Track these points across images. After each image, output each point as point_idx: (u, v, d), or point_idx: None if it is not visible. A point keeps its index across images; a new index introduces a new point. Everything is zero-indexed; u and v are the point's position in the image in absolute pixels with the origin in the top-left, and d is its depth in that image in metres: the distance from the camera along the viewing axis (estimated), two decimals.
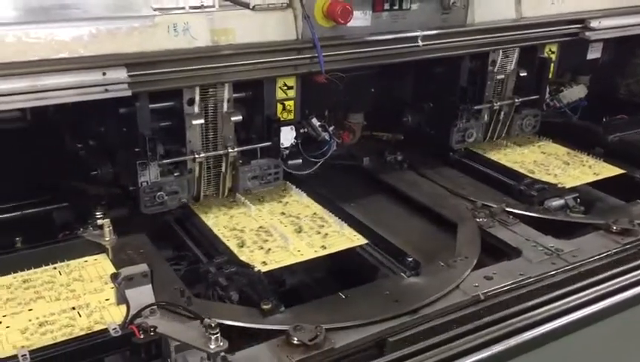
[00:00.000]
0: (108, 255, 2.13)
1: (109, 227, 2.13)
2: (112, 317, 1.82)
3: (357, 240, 2.31)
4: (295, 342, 1.73)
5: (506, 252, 2.30)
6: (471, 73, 2.94)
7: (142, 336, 1.68)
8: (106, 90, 1.98)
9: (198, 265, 2.18)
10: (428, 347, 1.85)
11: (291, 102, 2.49)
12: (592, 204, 2.75)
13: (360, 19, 2.44)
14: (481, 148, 3.11)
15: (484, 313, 1.97)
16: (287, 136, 2.52)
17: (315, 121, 2.72)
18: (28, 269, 2.05)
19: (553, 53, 3.10)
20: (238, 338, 1.78)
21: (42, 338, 1.73)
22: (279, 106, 2.48)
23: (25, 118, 2.32)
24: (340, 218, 2.43)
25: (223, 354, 1.63)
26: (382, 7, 2.48)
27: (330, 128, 2.78)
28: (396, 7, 2.52)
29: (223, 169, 2.46)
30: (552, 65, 3.11)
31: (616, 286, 2.18)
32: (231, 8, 2.27)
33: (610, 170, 2.96)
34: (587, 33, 2.97)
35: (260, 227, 2.39)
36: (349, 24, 2.36)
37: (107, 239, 2.13)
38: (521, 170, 2.92)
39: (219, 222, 2.43)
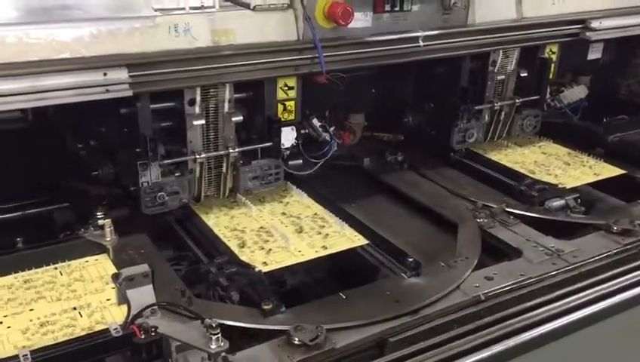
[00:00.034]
0: (109, 255, 2.13)
1: (110, 227, 2.13)
2: (113, 317, 1.82)
3: (357, 240, 2.31)
4: (296, 342, 1.73)
5: (506, 252, 2.30)
6: (472, 73, 2.94)
7: (143, 336, 1.68)
8: (107, 91, 1.99)
9: (198, 266, 2.18)
10: (428, 347, 1.85)
11: (292, 103, 2.49)
12: (592, 204, 2.75)
13: (361, 20, 2.44)
14: (482, 149, 3.11)
15: (485, 313, 1.97)
16: (288, 137, 2.52)
17: (315, 122, 2.72)
18: (29, 269, 2.05)
19: (554, 53, 3.11)
20: (238, 339, 1.79)
21: (43, 339, 1.73)
22: (280, 107, 2.48)
23: (26, 119, 2.32)
24: (340, 218, 2.43)
25: (223, 354, 1.63)
26: (383, 8, 2.48)
27: (331, 129, 2.78)
28: (397, 9, 2.52)
29: (224, 169, 2.46)
30: (553, 65, 3.11)
31: (617, 287, 2.18)
32: (231, 9, 2.28)
33: (610, 171, 2.96)
34: (588, 33, 2.97)
35: (261, 227, 2.39)
36: (349, 25, 2.37)
37: (108, 239, 2.14)
38: (522, 171, 2.91)
39: (219, 222, 2.43)
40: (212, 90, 2.32)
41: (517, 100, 3.06)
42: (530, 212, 2.55)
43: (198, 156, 2.35)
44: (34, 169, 2.40)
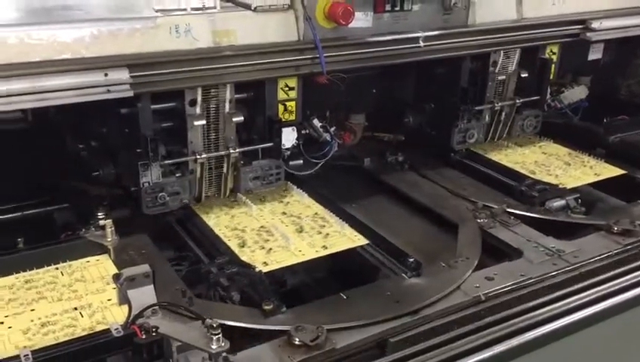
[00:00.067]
0: (110, 255, 2.13)
1: (111, 228, 2.14)
2: (114, 317, 1.82)
3: (358, 240, 2.31)
4: (296, 342, 1.73)
5: (507, 253, 2.30)
6: (472, 74, 2.94)
7: (144, 337, 1.68)
8: (108, 91, 1.99)
9: (199, 266, 2.18)
10: (429, 347, 1.85)
11: (293, 103, 2.50)
12: (593, 204, 2.75)
13: (361, 20, 2.44)
14: (482, 149, 3.11)
15: (485, 313, 1.97)
16: (289, 137, 2.53)
17: (316, 122, 2.73)
18: (30, 270, 2.05)
19: (554, 53, 3.11)
20: (239, 339, 1.79)
21: (44, 339, 1.73)
22: (281, 107, 2.48)
23: (27, 119, 2.32)
24: (341, 218, 2.43)
25: (224, 354, 1.63)
26: (383, 8, 2.48)
27: (332, 129, 2.79)
28: (397, 9, 2.52)
29: (225, 170, 2.46)
30: (553, 65, 3.12)
31: (617, 287, 2.18)
32: (232, 10, 2.27)
33: (611, 171, 2.96)
34: (588, 34, 2.98)
35: (261, 227, 2.40)
36: (350, 25, 2.37)
37: (109, 240, 2.14)
38: (522, 171, 2.91)
39: (220, 221, 2.43)
40: (213, 90, 2.33)
41: (517, 101, 3.06)
42: (531, 212, 2.55)
43: (198, 156, 2.35)
44: (35, 169, 2.41)
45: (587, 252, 2.25)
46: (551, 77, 3.13)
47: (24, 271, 2.04)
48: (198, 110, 2.31)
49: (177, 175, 2.36)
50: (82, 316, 1.84)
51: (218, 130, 2.40)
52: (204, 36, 2.18)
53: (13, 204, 2.38)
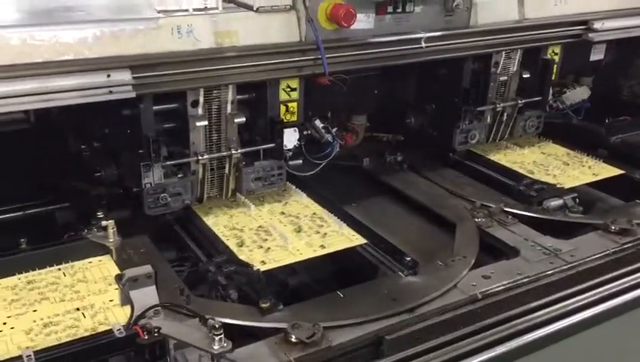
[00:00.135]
0: (112, 256, 2.14)
1: (113, 228, 2.14)
2: (116, 318, 1.83)
3: (356, 239, 2.33)
4: (293, 339, 1.74)
5: (504, 251, 2.31)
6: (474, 74, 2.94)
7: (146, 337, 1.68)
8: (110, 92, 2.00)
9: (199, 266, 2.18)
10: (425, 346, 1.86)
11: (294, 104, 2.50)
12: (591, 204, 2.76)
13: (363, 21, 2.45)
14: (482, 150, 3.11)
15: (482, 312, 1.98)
16: (291, 138, 2.53)
17: (318, 123, 2.73)
18: (32, 270, 2.06)
19: (556, 54, 3.11)
20: (237, 336, 1.79)
21: (47, 339, 1.73)
22: (282, 108, 2.48)
23: (29, 120, 2.33)
24: (339, 218, 2.44)
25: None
26: (385, 10, 2.48)
27: (334, 130, 2.79)
28: (399, 10, 2.52)
29: (227, 170, 2.46)
30: (555, 66, 3.11)
31: (615, 290, 2.19)
32: (234, 10, 2.28)
33: (609, 171, 2.97)
34: (590, 35, 2.97)
35: (260, 226, 2.41)
36: (352, 27, 2.37)
37: (111, 240, 2.14)
38: (521, 171, 2.93)
39: (219, 221, 2.44)
40: (215, 91, 2.33)
41: (519, 101, 3.06)
42: (529, 211, 2.56)
43: (200, 157, 2.35)
44: (37, 170, 2.41)
45: (584, 251, 2.26)
46: (553, 77, 3.13)
47: (26, 271, 2.05)
48: (200, 111, 2.32)
49: (179, 176, 2.36)
50: (84, 316, 1.84)
51: (220, 131, 2.40)
52: (206, 37, 2.19)
53: (16, 205, 2.38)
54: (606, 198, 2.85)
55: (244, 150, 2.44)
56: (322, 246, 2.27)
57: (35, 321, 1.82)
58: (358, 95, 2.77)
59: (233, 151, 2.42)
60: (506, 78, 3.01)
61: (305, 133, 2.66)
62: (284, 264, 2.18)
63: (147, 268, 1.82)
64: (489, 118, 3.05)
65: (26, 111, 2.29)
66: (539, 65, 3.06)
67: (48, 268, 2.07)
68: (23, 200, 2.40)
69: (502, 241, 2.35)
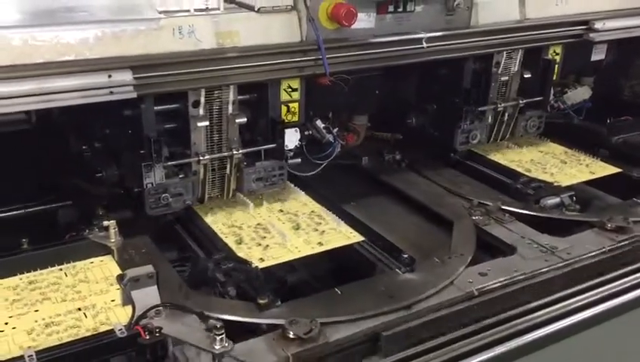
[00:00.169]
0: (113, 256, 2.14)
1: (114, 228, 2.14)
2: (118, 318, 1.83)
3: (353, 237, 2.34)
4: (291, 335, 1.75)
5: (501, 249, 2.32)
6: (475, 74, 2.94)
7: (147, 337, 1.69)
8: (112, 93, 2.00)
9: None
10: (423, 346, 1.87)
11: (296, 104, 2.50)
12: (588, 202, 2.77)
13: (364, 21, 2.45)
14: (482, 150, 3.11)
15: (478, 308, 1.99)
16: (292, 138, 2.53)
17: (319, 123, 2.73)
18: (34, 270, 2.06)
19: (557, 54, 3.10)
20: (235, 332, 1.79)
21: (48, 339, 1.74)
22: (284, 108, 2.48)
23: (30, 120, 2.33)
24: (337, 216, 2.45)
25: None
26: (386, 9, 2.48)
27: (335, 130, 2.79)
28: (400, 10, 2.52)
29: (228, 171, 2.46)
30: (557, 66, 3.11)
31: (614, 288, 2.20)
32: (236, 11, 2.28)
33: (606, 169, 2.98)
34: (591, 35, 2.97)
35: (258, 224, 2.42)
36: (353, 26, 2.37)
37: (113, 240, 2.15)
38: (518, 169, 2.94)
39: (217, 219, 2.45)
40: (216, 91, 2.33)
41: (520, 101, 3.06)
42: (526, 210, 2.57)
43: (201, 158, 2.35)
44: (38, 171, 2.41)
45: (580, 248, 2.27)
46: (554, 77, 3.13)
47: (28, 271, 2.05)
48: (201, 111, 2.32)
49: (180, 176, 2.36)
50: (86, 316, 1.84)
51: (221, 132, 2.40)
52: (208, 37, 2.19)
53: (16, 206, 2.38)
54: (603, 196, 2.86)
55: (245, 150, 2.44)
56: (320, 244, 2.28)
57: (36, 321, 1.82)
58: (359, 95, 2.77)
59: (234, 152, 2.42)
60: (507, 78, 3.01)
61: (306, 133, 2.66)
62: (283, 261, 2.19)
63: (148, 268, 1.83)
64: (490, 118, 3.04)
65: (27, 112, 2.29)
66: (540, 65, 3.05)
67: (50, 268, 2.08)
68: (25, 200, 2.40)
69: (499, 239, 2.36)
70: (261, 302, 1.90)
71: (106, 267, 2.10)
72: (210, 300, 1.98)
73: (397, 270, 2.16)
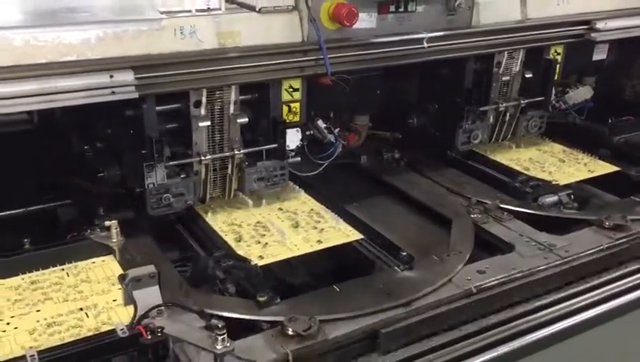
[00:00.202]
0: (115, 256, 2.14)
1: (116, 228, 2.15)
2: (120, 317, 1.83)
3: (352, 235, 2.35)
4: (290, 332, 1.76)
5: (499, 247, 2.33)
6: (476, 74, 2.94)
7: (149, 337, 1.69)
8: (113, 93, 2.00)
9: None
10: (422, 347, 1.88)
11: (297, 104, 2.50)
12: (586, 200, 2.78)
13: (365, 21, 2.45)
14: (483, 150, 3.11)
15: (476, 306, 2.00)
16: (293, 138, 2.53)
17: (320, 123, 2.73)
18: (36, 270, 2.07)
19: (559, 54, 3.10)
20: (235, 330, 1.80)
21: (50, 339, 1.74)
22: (285, 108, 2.48)
23: (32, 121, 2.33)
24: (336, 214, 2.46)
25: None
26: (387, 9, 2.48)
27: (336, 130, 2.79)
28: (402, 10, 2.52)
29: (229, 171, 2.47)
30: (558, 66, 3.11)
31: (613, 289, 2.20)
32: (237, 11, 2.29)
33: (604, 168, 2.99)
34: (593, 34, 2.97)
35: (258, 222, 2.43)
36: (354, 26, 2.37)
37: (114, 241, 2.15)
38: (517, 168, 2.95)
39: (217, 217, 2.45)
40: (218, 91, 2.33)
41: (522, 101, 3.06)
42: (524, 208, 2.58)
43: (203, 158, 2.35)
44: (40, 171, 2.41)
45: (578, 246, 2.27)
46: (555, 77, 3.12)
47: (30, 271, 2.06)
48: (202, 111, 2.32)
49: (182, 176, 2.37)
50: (88, 316, 1.85)
51: (223, 132, 2.40)
52: (209, 38, 2.19)
53: (19, 205, 2.39)
54: (601, 195, 2.87)
55: (246, 150, 2.45)
56: (319, 242, 2.29)
57: (38, 321, 1.82)
58: (360, 95, 2.78)
59: (236, 152, 2.42)
60: (508, 77, 3.01)
61: (307, 133, 2.66)
62: (282, 259, 2.20)
63: (150, 268, 1.83)
64: (492, 118, 3.04)
65: (29, 112, 2.30)
66: (541, 65, 3.05)
67: (52, 269, 2.08)
68: (27, 200, 2.40)
69: (497, 237, 2.37)
70: (261, 299, 1.91)
71: (107, 267, 2.10)
72: (211, 298, 1.98)
73: (395, 268, 2.17)
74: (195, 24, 2.16)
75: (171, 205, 2.35)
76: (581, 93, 3.44)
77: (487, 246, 2.36)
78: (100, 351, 1.69)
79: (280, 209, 2.53)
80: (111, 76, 1.98)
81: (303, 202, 2.60)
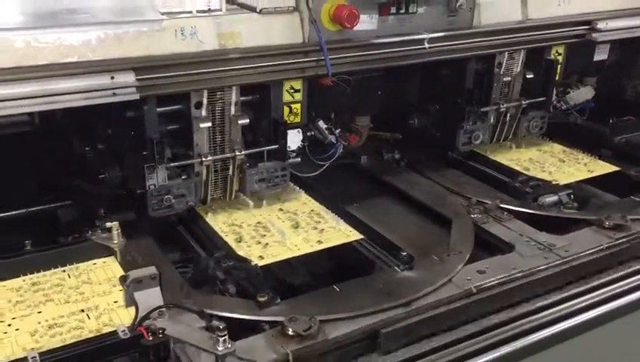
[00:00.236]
0: (116, 258, 2.15)
1: (117, 230, 2.15)
2: (121, 319, 1.83)
3: (352, 235, 2.35)
4: (290, 332, 1.76)
5: (499, 247, 2.33)
6: (477, 75, 2.94)
7: (150, 338, 1.69)
8: (114, 94, 2.00)
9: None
10: (423, 348, 1.88)
11: (298, 105, 2.50)
12: (586, 200, 2.78)
13: (366, 22, 2.45)
14: (484, 150, 3.12)
15: (476, 306, 2.00)
16: (294, 139, 2.53)
17: (321, 124, 2.73)
18: (37, 272, 2.07)
19: (560, 54, 3.10)
20: (235, 330, 1.80)
21: (51, 341, 1.74)
22: (286, 109, 2.48)
23: (33, 122, 2.33)
24: (336, 214, 2.46)
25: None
26: (388, 10, 2.48)
27: (337, 131, 2.79)
28: (402, 11, 2.52)
29: (230, 172, 2.47)
30: (559, 66, 3.11)
31: (614, 290, 2.20)
32: (238, 12, 2.28)
33: (604, 168, 2.99)
34: (594, 35, 2.97)
35: (258, 223, 2.43)
36: (355, 28, 2.37)
37: (115, 242, 2.15)
38: (517, 168, 2.95)
39: (217, 218, 2.45)
40: (218, 93, 2.33)
41: (523, 102, 3.06)
42: (524, 208, 2.58)
43: (204, 159, 2.35)
44: (41, 172, 2.41)
45: (578, 246, 2.27)
46: (557, 78, 3.12)
47: (31, 273, 2.06)
48: (203, 112, 2.32)
49: (183, 177, 2.37)
50: (89, 318, 1.85)
51: (224, 133, 2.40)
52: (210, 39, 2.19)
53: (20, 206, 2.39)
54: (601, 195, 2.87)
55: (247, 151, 2.45)
56: (319, 242, 2.30)
57: (39, 323, 1.82)
58: (361, 96, 2.78)
59: (237, 153, 2.42)
60: (509, 78, 3.00)
61: (308, 134, 2.66)
62: (282, 259, 2.20)
63: (151, 270, 1.83)
64: (493, 118, 3.04)
65: (30, 114, 2.29)
66: (542, 66, 3.05)
67: (53, 270, 2.08)
68: (28, 202, 2.40)
69: (497, 237, 2.37)
70: (261, 299, 1.91)
71: (108, 268, 2.10)
72: (211, 298, 1.98)
73: (396, 268, 2.17)
74: (195, 25, 2.16)
75: (172, 206, 2.35)
76: (582, 94, 3.45)
77: (487, 246, 2.36)
78: (102, 353, 1.69)
79: (280, 209, 2.54)
80: (112, 77, 1.99)
81: (303, 203, 2.60)
